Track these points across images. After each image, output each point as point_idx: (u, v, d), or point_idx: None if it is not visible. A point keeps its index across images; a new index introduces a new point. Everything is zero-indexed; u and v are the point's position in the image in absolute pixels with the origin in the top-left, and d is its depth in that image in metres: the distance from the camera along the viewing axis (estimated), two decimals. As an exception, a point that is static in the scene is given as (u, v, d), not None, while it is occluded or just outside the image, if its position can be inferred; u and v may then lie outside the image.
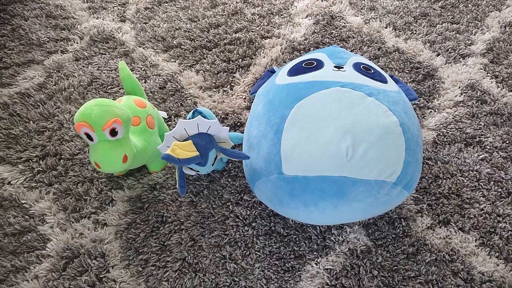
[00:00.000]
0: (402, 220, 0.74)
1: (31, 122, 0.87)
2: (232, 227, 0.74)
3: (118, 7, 1.07)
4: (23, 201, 0.78)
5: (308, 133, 0.61)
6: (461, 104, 0.89)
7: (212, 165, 0.69)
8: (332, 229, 0.73)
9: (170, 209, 0.77)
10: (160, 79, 0.94)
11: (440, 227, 0.73)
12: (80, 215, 0.76)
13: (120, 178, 0.80)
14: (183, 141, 0.66)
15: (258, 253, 0.71)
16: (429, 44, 0.99)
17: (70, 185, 0.79)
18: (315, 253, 0.71)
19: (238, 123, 0.87)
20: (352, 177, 0.59)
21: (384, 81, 0.70)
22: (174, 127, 0.67)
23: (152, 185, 0.80)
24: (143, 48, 1.00)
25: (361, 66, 0.71)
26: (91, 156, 0.62)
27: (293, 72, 0.72)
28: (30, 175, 0.81)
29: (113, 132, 0.60)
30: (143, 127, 0.73)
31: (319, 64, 0.71)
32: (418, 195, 0.77)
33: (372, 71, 0.71)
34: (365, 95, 0.64)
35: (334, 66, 0.70)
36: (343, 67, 0.70)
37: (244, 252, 0.71)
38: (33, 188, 0.79)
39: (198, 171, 0.70)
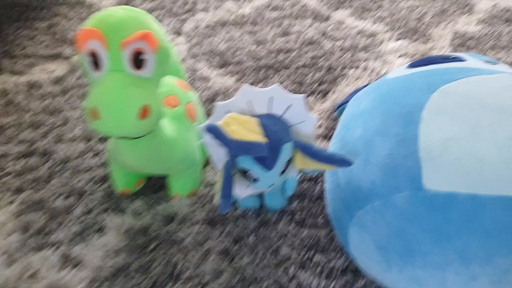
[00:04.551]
0: None
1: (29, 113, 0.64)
2: (293, 303, 0.41)
3: (176, 22, 0.91)
4: (-29, 208, 0.50)
5: (472, 124, 0.34)
6: None
7: (281, 174, 0.40)
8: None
9: (190, 258, 0.46)
10: (210, 92, 0.71)
11: None
12: (45, 242, 0.47)
13: (126, 199, 0.52)
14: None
15: None
16: None
17: (48, 196, 0.52)
18: None
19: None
20: None
21: None
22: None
23: (168, 215, 0.50)
24: (196, 60, 0.80)
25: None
26: (90, 97, 0.35)
27: (419, 64, 0.48)
28: (-2, 174, 0.55)
29: (138, 60, 0.35)
30: (180, 113, 0.48)
31: (458, 59, 0.47)
32: None
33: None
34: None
35: (485, 61, 0.46)
36: (497, 64, 0.46)
37: None
38: (-7, 193, 0.52)
39: (256, 182, 0.40)
